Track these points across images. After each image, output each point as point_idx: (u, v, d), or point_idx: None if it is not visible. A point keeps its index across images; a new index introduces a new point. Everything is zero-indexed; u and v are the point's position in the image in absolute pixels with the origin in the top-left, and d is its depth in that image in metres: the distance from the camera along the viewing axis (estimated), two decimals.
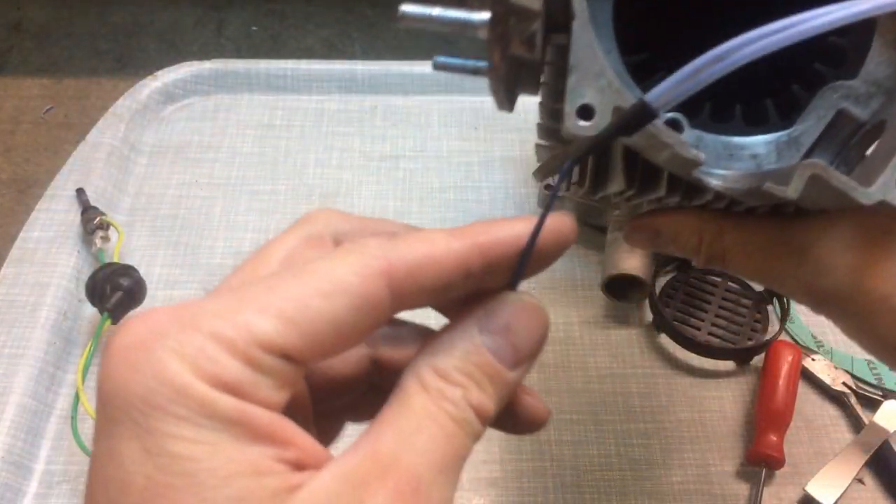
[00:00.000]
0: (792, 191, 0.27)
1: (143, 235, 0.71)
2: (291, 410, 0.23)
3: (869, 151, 0.31)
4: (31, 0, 1.07)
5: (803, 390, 0.61)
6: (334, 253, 0.24)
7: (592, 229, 0.68)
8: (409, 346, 0.30)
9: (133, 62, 0.98)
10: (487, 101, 0.37)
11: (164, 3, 1.07)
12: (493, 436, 0.59)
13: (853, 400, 0.60)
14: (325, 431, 0.30)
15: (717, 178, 0.30)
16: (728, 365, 0.63)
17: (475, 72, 0.33)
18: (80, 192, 0.70)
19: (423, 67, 0.83)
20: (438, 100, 0.82)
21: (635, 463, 0.58)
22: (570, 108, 0.28)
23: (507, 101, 0.34)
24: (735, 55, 0.22)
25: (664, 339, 0.63)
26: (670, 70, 0.31)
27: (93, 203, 0.69)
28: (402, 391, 0.24)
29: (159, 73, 0.83)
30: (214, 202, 0.74)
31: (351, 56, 0.97)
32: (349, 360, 0.29)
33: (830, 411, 0.60)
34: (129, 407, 0.20)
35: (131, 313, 0.62)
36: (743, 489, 0.57)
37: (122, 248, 0.68)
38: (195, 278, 0.68)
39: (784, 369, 0.59)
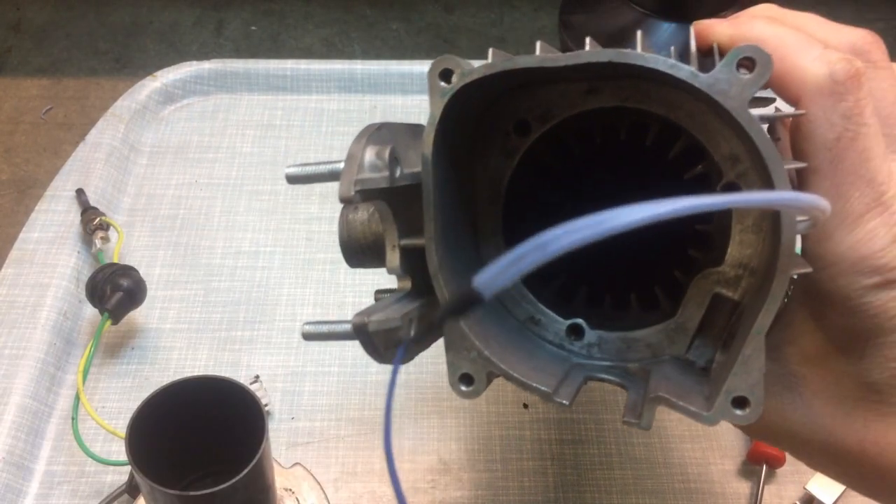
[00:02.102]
0: (645, 423, 0.31)
1: (143, 236, 0.71)
2: None
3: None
4: (31, 0, 1.07)
5: None
6: None
7: None
8: None
9: (132, 62, 0.98)
10: None
11: (164, 4, 1.07)
12: (494, 435, 0.59)
13: None
14: None
15: (615, 373, 0.34)
16: None
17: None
18: (80, 192, 0.70)
19: (423, 67, 0.83)
20: None
21: (636, 462, 0.58)
22: (452, 378, 0.33)
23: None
24: (554, 244, 0.23)
25: None
26: (571, 273, 0.37)
27: (92, 203, 0.69)
28: None
29: (159, 73, 0.83)
30: (214, 202, 0.74)
31: (350, 56, 0.97)
32: None
33: None
34: None
35: (132, 314, 0.62)
36: (744, 488, 0.57)
37: (122, 248, 0.68)
38: (195, 278, 0.68)
39: None
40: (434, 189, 0.32)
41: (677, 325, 0.35)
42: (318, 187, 0.75)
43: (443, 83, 0.31)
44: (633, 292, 0.38)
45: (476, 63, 0.32)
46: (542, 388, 0.32)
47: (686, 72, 0.29)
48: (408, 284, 0.34)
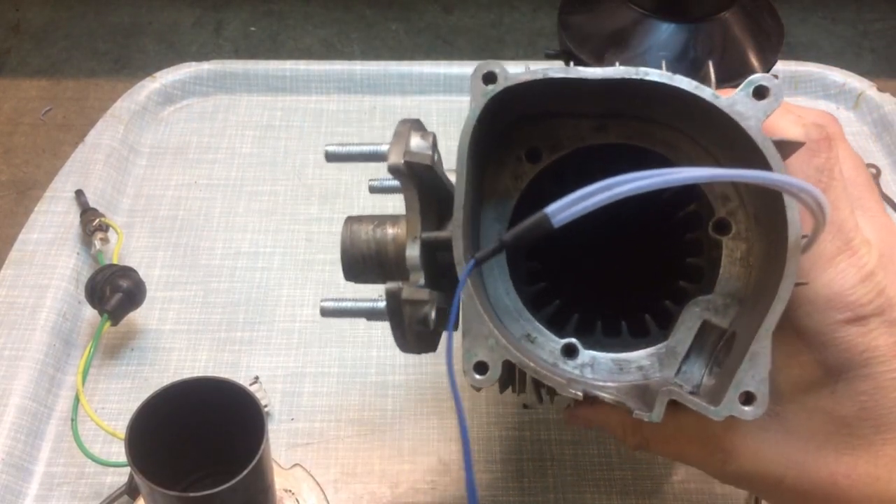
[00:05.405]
0: (656, 415, 0.32)
1: (143, 237, 0.71)
2: None
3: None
4: (30, 1, 1.07)
5: None
6: None
7: None
8: None
9: (132, 63, 0.98)
10: None
11: (163, 4, 1.07)
12: (494, 435, 0.59)
13: None
14: None
15: (609, 391, 0.36)
16: None
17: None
18: (80, 193, 0.70)
19: (422, 67, 0.83)
20: (437, 99, 0.82)
21: (636, 462, 0.58)
22: (467, 366, 0.33)
23: (413, 350, 0.40)
24: (617, 189, 0.27)
25: None
26: (564, 299, 0.41)
27: (92, 204, 0.69)
28: None
29: (158, 74, 0.83)
30: (213, 203, 0.74)
31: (349, 56, 0.97)
32: None
33: None
34: None
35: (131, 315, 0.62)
36: None
37: (122, 249, 0.68)
38: (195, 279, 0.68)
39: None
40: (466, 178, 0.34)
41: (668, 348, 0.37)
42: (318, 189, 0.75)
43: (485, 86, 0.34)
44: (623, 320, 0.41)
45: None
46: (557, 377, 0.33)
47: (708, 93, 0.33)
48: (421, 278, 0.36)
